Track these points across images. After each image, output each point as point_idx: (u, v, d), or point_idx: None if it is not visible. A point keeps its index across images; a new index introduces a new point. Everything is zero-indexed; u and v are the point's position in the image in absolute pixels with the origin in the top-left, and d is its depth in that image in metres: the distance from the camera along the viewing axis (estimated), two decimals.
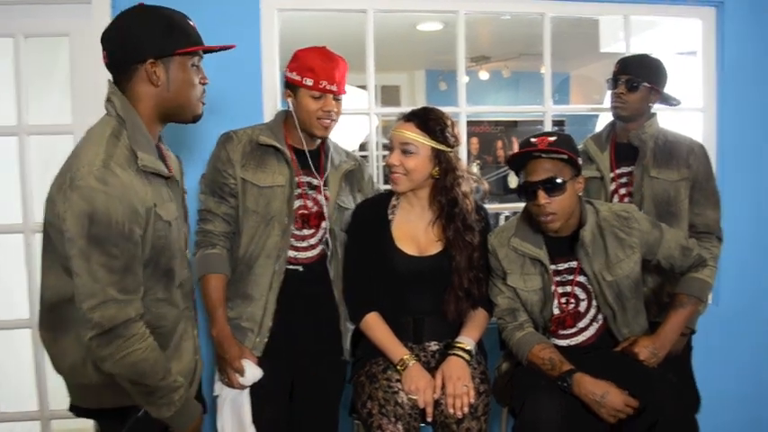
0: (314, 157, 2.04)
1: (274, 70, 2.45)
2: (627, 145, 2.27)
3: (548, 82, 2.77)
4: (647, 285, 2.18)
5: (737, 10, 2.75)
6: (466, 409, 1.84)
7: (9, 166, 2.36)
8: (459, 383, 1.86)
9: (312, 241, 2.03)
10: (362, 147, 4.04)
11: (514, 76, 6.08)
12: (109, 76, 1.49)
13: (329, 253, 2.04)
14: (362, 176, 2.21)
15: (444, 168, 1.97)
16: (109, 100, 1.46)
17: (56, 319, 1.46)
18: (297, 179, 2.00)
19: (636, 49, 2.69)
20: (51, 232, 1.41)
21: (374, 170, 2.57)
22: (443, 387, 1.87)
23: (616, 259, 1.95)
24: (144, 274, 1.42)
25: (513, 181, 4.96)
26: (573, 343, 1.98)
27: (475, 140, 5.58)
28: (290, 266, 1.99)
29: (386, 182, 2.35)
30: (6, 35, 2.27)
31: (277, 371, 1.97)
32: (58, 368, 1.51)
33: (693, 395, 2.23)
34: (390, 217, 2.05)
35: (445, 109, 2.06)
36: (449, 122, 1.99)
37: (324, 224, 2.03)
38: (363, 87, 2.62)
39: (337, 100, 1.98)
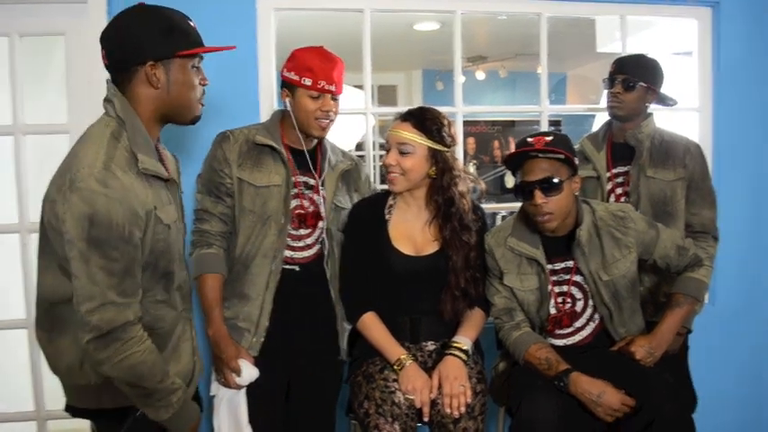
0: (311, 156, 2.04)
1: (271, 70, 2.45)
2: (623, 145, 2.27)
3: (544, 82, 2.77)
4: (643, 285, 2.19)
5: (733, 10, 2.76)
6: (463, 409, 1.84)
7: (5, 166, 2.36)
8: (455, 383, 1.86)
9: (309, 241, 2.02)
10: (359, 146, 4.04)
11: (511, 76, 6.08)
12: (106, 75, 1.48)
13: (326, 253, 2.04)
14: (359, 176, 2.21)
15: (441, 168, 1.97)
16: (108, 100, 1.45)
17: (52, 319, 1.46)
18: (293, 179, 1.99)
19: (632, 49, 2.70)
20: (50, 233, 1.40)
21: (371, 170, 2.57)
22: (440, 387, 1.87)
23: (612, 259, 1.95)
24: (143, 276, 1.41)
25: (509, 181, 4.97)
26: (569, 342, 1.99)
27: (471, 140, 5.58)
28: (287, 266, 1.99)
29: (383, 182, 2.35)
30: (2, 34, 2.27)
31: (274, 371, 1.97)
32: (55, 369, 1.51)
33: (690, 395, 2.23)
34: (387, 217, 2.05)
35: (442, 109, 2.07)
36: (445, 122, 1.99)
37: (320, 224, 2.03)
38: (360, 87, 2.61)
39: (335, 100, 1.98)
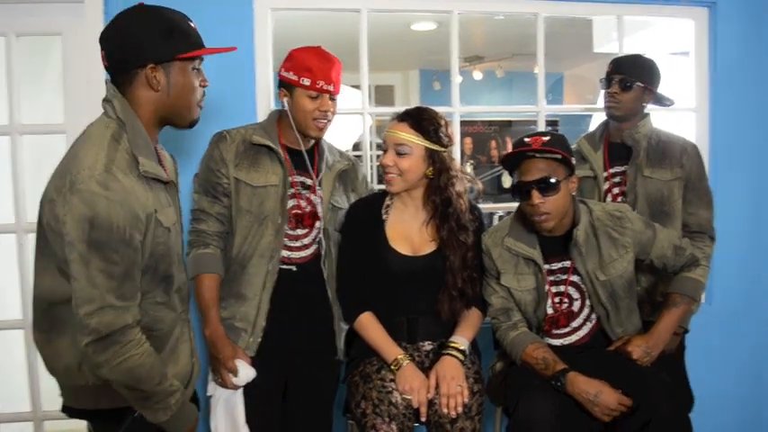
0: (308, 156, 2.04)
1: (268, 70, 2.45)
2: (620, 144, 2.28)
3: (541, 82, 2.78)
4: (640, 285, 2.19)
5: (730, 10, 2.77)
6: (460, 409, 1.84)
7: (1, 166, 2.35)
8: (453, 383, 1.86)
9: (306, 241, 2.02)
10: (356, 146, 4.05)
11: (508, 76, 6.09)
12: (103, 75, 1.47)
13: (323, 253, 2.04)
14: (356, 176, 2.21)
15: (438, 168, 1.97)
16: (107, 101, 1.44)
17: (51, 320, 1.45)
18: (290, 179, 1.99)
19: (629, 49, 2.70)
20: (48, 234, 1.39)
21: (368, 170, 2.57)
22: (437, 387, 1.87)
23: (609, 259, 1.95)
24: (143, 279, 1.41)
25: (506, 181, 4.98)
26: (566, 342, 1.99)
27: (468, 140, 5.59)
28: (284, 266, 1.99)
29: (380, 182, 2.35)
30: None
31: (270, 371, 1.97)
32: (52, 369, 1.50)
33: (687, 394, 2.24)
34: (384, 217, 2.05)
35: (439, 109, 2.07)
36: (442, 122, 1.99)
37: (317, 224, 2.03)
38: (357, 87, 2.62)
39: (333, 100, 1.98)
